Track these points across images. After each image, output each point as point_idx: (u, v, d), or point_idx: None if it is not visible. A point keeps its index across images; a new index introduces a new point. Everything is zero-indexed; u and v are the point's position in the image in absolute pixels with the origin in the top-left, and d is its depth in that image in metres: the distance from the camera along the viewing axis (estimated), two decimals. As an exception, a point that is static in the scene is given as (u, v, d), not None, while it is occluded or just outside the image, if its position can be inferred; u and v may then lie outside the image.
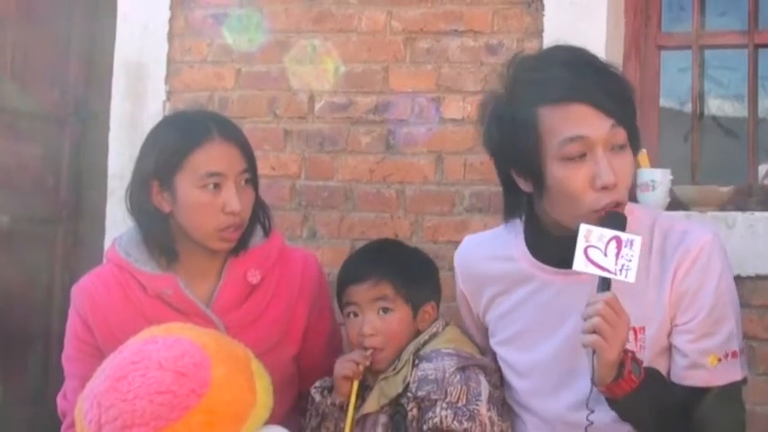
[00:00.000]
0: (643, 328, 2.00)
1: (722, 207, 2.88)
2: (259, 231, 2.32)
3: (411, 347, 2.17)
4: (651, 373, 1.94)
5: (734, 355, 2.00)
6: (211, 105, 3.29)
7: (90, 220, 3.54)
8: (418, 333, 2.22)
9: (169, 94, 3.35)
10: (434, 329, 2.21)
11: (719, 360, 1.99)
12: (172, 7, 3.36)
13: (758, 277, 2.78)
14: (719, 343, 2.00)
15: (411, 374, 2.13)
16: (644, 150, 2.97)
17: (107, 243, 3.24)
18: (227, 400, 1.88)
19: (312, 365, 2.37)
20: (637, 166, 2.97)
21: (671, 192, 2.94)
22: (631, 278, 1.86)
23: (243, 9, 3.31)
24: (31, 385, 3.47)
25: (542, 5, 3.05)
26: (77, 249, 3.62)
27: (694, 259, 1.99)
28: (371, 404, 2.17)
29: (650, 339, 2.00)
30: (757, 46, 3.04)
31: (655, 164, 3.00)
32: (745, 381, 2.08)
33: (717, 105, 3.42)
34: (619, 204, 1.94)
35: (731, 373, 2.01)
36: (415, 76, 3.16)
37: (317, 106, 3.23)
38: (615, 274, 1.86)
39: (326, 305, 2.42)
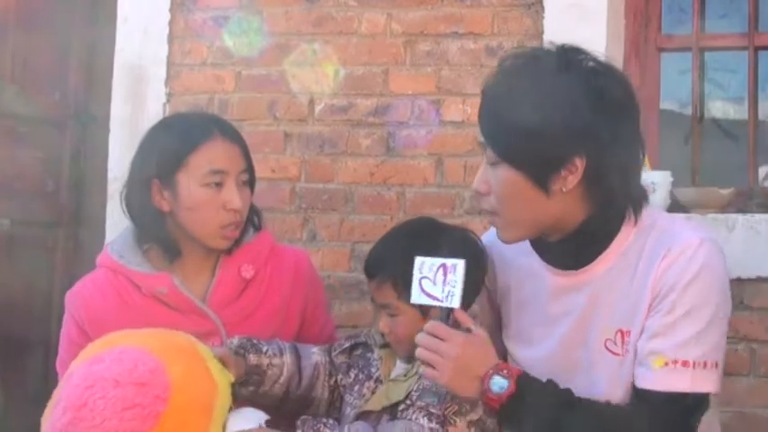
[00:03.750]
0: (629, 332, 1.95)
1: (723, 209, 2.88)
2: (249, 229, 2.35)
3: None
4: (541, 386, 1.91)
5: (685, 363, 1.87)
6: (211, 108, 3.30)
7: (90, 224, 3.54)
8: None
9: (169, 96, 3.35)
10: None
11: (666, 364, 1.87)
12: (172, 10, 3.36)
13: (759, 279, 2.78)
14: (671, 346, 1.88)
15: (417, 383, 2.11)
16: (644, 152, 2.98)
17: (108, 246, 3.25)
18: (192, 394, 1.89)
19: None
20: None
21: (671, 194, 2.94)
22: (456, 304, 1.90)
23: (243, 12, 3.31)
24: (30, 390, 3.46)
25: (542, 8, 3.05)
26: (78, 253, 3.62)
27: (675, 259, 1.91)
28: (374, 403, 2.15)
29: (632, 344, 1.95)
30: (757, 48, 3.04)
31: (655, 166, 3.00)
32: (703, 402, 1.90)
33: (717, 108, 3.43)
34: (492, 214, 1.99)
35: (677, 380, 1.87)
36: (415, 79, 3.16)
37: (317, 109, 3.23)
38: (442, 301, 1.91)
39: (320, 299, 2.46)
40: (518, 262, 2.14)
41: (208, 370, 1.95)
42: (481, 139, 1.98)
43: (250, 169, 2.30)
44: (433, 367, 1.90)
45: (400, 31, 3.18)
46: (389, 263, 2.13)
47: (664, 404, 1.88)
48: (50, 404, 1.95)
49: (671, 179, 2.95)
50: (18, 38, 3.43)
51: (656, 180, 2.91)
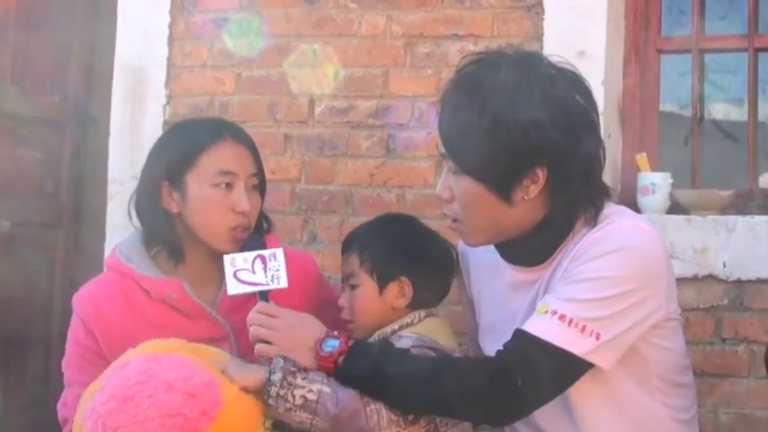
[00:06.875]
0: None
1: (722, 211, 2.88)
2: None
3: (375, 335, 2.16)
4: (368, 344, 2.04)
5: (562, 317, 1.87)
6: (212, 110, 3.29)
7: (90, 224, 3.55)
8: (393, 311, 2.18)
9: (169, 98, 3.35)
10: (408, 320, 2.17)
11: (546, 312, 1.90)
12: (172, 11, 3.36)
13: (759, 281, 2.78)
14: (557, 298, 1.91)
15: None
16: (644, 154, 2.98)
17: (107, 248, 3.25)
18: (239, 420, 1.88)
19: None
20: (636, 169, 2.99)
21: (671, 195, 2.95)
22: (284, 284, 2.09)
23: (243, 13, 3.31)
24: (30, 390, 3.47)
25: (542, 9, 3.05)
26: (78, 254, 3.63)
27: (600, 237, 1.94)
28: None
29: None
30: (757, 50, 3.04)
31: (655, 167, 3.00)
32: (565, 363, 1.89)
33: (717, 109, 3.43)
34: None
35: (542, 326, 1.89)
36: (415, 81, 3.16)
37: (318, 110, 3.23)
38: (268, 284, 2.09)
39: (328, 299, 2.43)
40: (486, 258, 2.17)
41: (258, 403, 1.94)
42: (442, 149, 2.01)
43: (260, 174, 2.30)
44: (271, 342, 2.00)
45: (400, 32, 3.18)
46: (361, 238, 2.24)
47: (527, 344, 1.89)
48: (92, 387, 1.94)
49: (671, 180, 2.95)
50: (18, 38, 3.44)
51: (655, 181, 2.92)
